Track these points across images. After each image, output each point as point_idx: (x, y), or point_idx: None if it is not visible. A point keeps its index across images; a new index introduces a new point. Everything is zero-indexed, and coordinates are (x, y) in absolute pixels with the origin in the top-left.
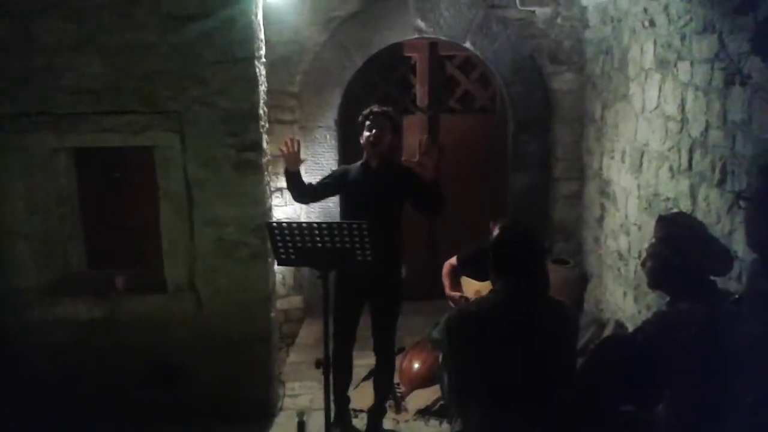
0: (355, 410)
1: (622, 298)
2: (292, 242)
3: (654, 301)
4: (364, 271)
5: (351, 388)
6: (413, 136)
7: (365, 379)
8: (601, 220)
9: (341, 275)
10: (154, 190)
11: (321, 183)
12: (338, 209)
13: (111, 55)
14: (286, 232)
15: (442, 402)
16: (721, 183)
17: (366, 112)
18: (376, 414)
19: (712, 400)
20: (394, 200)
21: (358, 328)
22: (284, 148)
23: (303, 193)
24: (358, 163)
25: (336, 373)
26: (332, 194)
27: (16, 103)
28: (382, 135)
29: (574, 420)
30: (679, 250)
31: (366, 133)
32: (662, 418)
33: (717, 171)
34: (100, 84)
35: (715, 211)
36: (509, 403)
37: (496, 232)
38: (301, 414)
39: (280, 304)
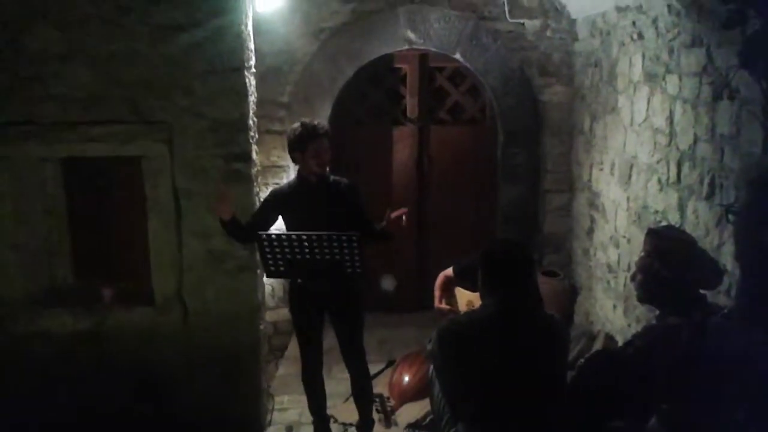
0: (345, 424)
1: (612, 310)
2: (281, 254)
3: (643, 314)
4: (317, 287)
5: (339, 402)
6: (404, 147)
7: None
8: (590, 232)
9: (294, 293)
10: (142, 201)
11: (260, 219)
12: None
13: (99, 64)
14: (275, 243)
15: (432, 416)
16: (709, 196)
17: (303, 132)
18: (363, 428)
19: (704, 416)
20: (340, 211)
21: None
22: (215, 202)
23: (246, 236)
24: (292, 182)
25: (308, 392)
26: (274, 223)
27: (2, 113)
28: (327, 156)
29: None
30: (668, 263)
31: (311, 156)
32: None
33: (705, 184)
34: (88, 93)
35: (703, 224)
36: (499, 417)
37: None
38: (289, 429)
39: (269, 316)
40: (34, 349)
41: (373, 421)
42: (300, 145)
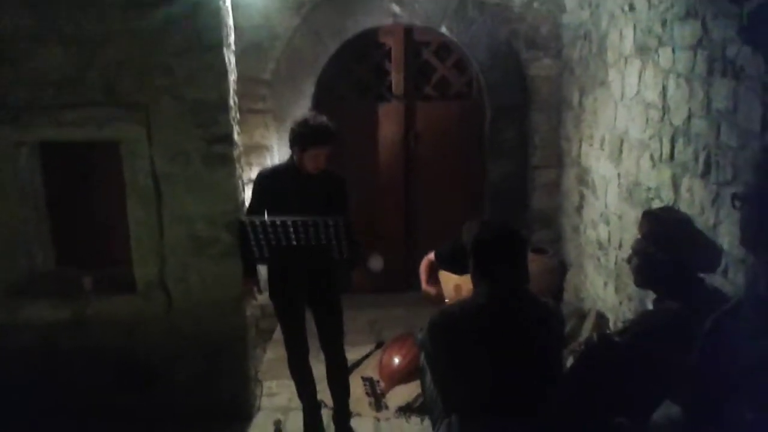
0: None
1: (603, 287)
2: (266, 240)
3: (635, 291)
4: (300, 272)
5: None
6: (390, 124)
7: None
8: (580, 208)
9: (276, 279)
10: (123, 186)
11: (259, 207)
12: None
13: (72, 45)
14: (259, 229)
15: (423, 399)
16: (705, 174)
17: (307, 135)
18: (339, 416)
19: (712, 414)
20: (329, 203)
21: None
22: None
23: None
24: (283, 166)
25: (296, 379)
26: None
27: None
28: (325, 161)
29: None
30: (665, 246)
31: (310, 158)
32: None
33: (701, 161)
34: (62, 76)
35: (699, 203)
36: (493, 409)
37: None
38: (278, 423)
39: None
40: (16, 339)
41: (349, 413)
42: (301, 144)
